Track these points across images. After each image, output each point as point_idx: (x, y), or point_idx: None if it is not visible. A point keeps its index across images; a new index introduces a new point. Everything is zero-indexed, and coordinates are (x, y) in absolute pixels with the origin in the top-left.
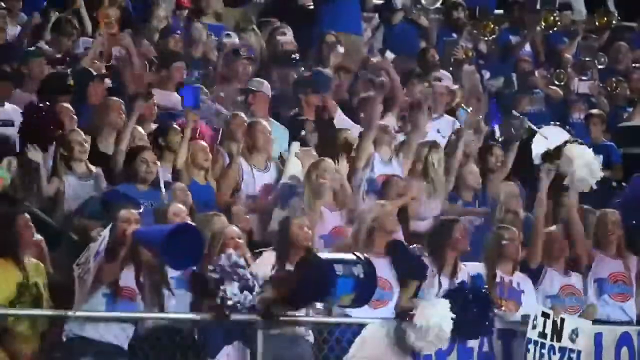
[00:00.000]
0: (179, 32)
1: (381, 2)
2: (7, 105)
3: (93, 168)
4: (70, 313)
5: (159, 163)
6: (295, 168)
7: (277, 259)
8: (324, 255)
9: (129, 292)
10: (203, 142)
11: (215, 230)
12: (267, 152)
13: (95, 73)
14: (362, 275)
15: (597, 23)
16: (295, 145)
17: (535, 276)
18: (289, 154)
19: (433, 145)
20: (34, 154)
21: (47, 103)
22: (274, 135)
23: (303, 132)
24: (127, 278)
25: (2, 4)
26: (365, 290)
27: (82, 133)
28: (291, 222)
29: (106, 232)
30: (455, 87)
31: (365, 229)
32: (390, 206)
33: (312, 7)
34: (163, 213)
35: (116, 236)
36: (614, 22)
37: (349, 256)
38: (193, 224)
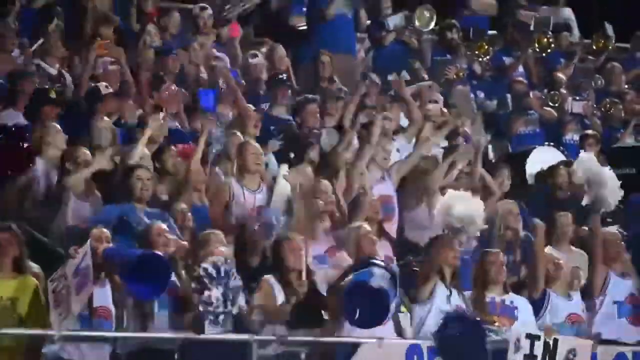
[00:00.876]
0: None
1: (372, 23)
2: None
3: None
4: (51, 332)
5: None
6: (283, 190)
7: (280, 283)
8: (358, 277)
9: (104, 311)
10: (198, 164)
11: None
12: (260, 173)
13: (103, 92)
14: (385, 272)
15: (594, 46)
16: (283, 168)
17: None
18: (277, 177)
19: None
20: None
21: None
22: None
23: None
24: (102, 297)
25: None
26: (395, 281)
27: (85, 150)
28: (283, 245)
29: (86, 247)
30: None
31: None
32: (365, 228)
33: (303, 27)
34: (146, 233)
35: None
36: (610, 46)
37: (377, 268)
38: (159, 253)
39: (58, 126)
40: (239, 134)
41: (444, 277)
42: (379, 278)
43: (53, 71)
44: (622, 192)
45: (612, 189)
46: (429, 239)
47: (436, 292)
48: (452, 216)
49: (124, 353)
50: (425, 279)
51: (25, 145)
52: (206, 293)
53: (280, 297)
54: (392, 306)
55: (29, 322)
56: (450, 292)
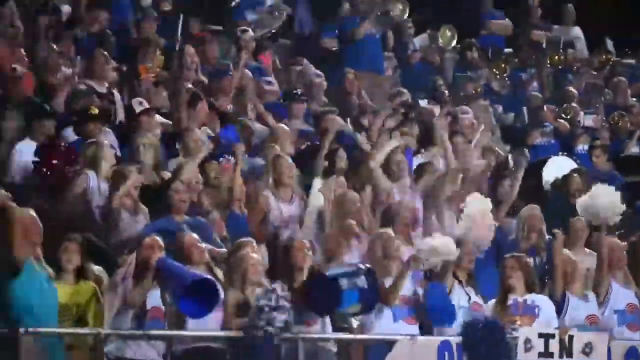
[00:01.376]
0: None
1: (399, 43)
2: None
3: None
4: (102, 331)
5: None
6: (318, 202)
7: (283, 281)
8: (329, 271)
9: (156, 311)
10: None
11: (238, 255)
12: (292, 186)
13: (147, 105)
14: (365, 286)
15: (597, 62)
16: (317, 182)
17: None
18: (312, 190)
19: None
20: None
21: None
22: None
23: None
24: (154, 298)
25: (55, 47)
26: (369, 299)
27: (134, 169)
28: (293, 245)
29: (132, 258)
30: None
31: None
32: (388, 234)
33: (336, 48)
34: (179, 245)
35: (142, 262)
36: (612, 60)
37: (352, 268)
38: (210, 277)
39: (107, 142)
40: (276, 147)
41: (460, 280)
42: (351, 283)
43: (102, 90)
44: (622, 206)
45: (609, 206)
46: None
47: (454, 294)
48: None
49: (180, 350)
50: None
51: (76, 161)
52: (273, 315)
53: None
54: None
55: (90, 323)
56: (468, 294)
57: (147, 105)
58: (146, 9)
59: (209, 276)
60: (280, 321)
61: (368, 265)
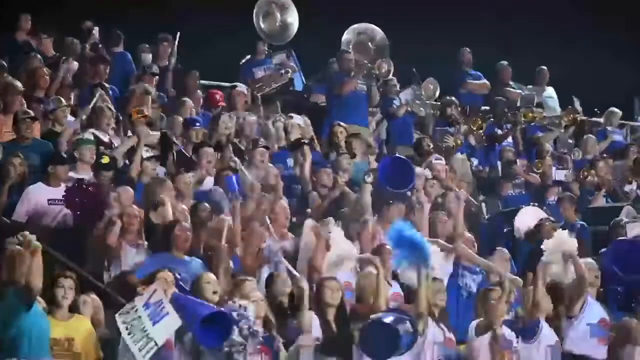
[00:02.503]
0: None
1: (381, 99)
2: (63, 185)
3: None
4: None
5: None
6: (308, 241)
7: (319, 318)
8: (383, 318)
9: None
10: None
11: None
12: (284, 226)
13: (152, 153)
14: (411, 330)
15: (565, 119)
16: (309, 222)
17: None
18: (304, 230)
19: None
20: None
21: (89, 183)
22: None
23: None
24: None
25: (63, 100)
26: (413, 342)
27: (135, 208)
28: (324, 284)
29: (156, 285)
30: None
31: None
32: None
33: (324, 104)
34: (197, 281)
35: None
36: (579, 119)
37: (399, 314)
38: (224, 309)
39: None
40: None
41: (434, 316)
42: (404, 329)
43: (105, 139)
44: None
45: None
46: None
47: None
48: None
49: None
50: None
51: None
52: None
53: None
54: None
55: (85, 358)
56: (442, 330)
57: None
58: (147, 66)
59: (222, 308)
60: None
61: (407, 312)
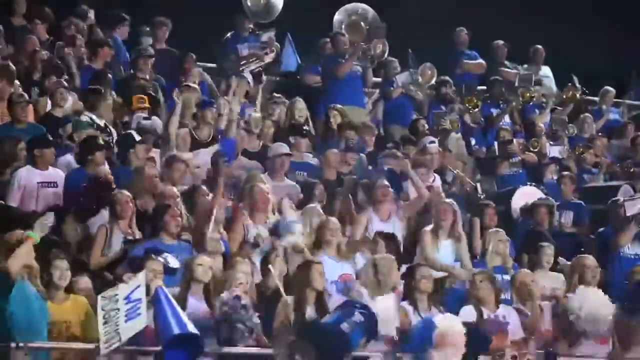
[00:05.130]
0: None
1: (382, 80)
2: (51, 168)
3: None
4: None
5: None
6: (292, 219)
7: (296, 303)
8: (325, 320)
9: (149, 330)
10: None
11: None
12: (266, 211)
13: (137, 138)
14: (363, 319)
15: (564, 97)
16: (286, 201)
17: None
18: (283, 209)
19: None
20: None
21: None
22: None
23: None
24: (149, 318)
25: (63, 82)
26: (370, 328)
27: (127, 194)
28: (312, 266)
29: (141, 279)
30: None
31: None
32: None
33: (319, 84)
34: (189, 263)
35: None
36: (578, 95)
37: (347, 309)
38: (194, 331)
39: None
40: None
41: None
42: (351, 323)
43: (101, 123)
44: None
45: (604, 315)
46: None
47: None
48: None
49: None
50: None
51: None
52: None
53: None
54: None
55: (83, 339)
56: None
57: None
58: (141, 48)
59: (193, 330)
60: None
61: (353, 298)
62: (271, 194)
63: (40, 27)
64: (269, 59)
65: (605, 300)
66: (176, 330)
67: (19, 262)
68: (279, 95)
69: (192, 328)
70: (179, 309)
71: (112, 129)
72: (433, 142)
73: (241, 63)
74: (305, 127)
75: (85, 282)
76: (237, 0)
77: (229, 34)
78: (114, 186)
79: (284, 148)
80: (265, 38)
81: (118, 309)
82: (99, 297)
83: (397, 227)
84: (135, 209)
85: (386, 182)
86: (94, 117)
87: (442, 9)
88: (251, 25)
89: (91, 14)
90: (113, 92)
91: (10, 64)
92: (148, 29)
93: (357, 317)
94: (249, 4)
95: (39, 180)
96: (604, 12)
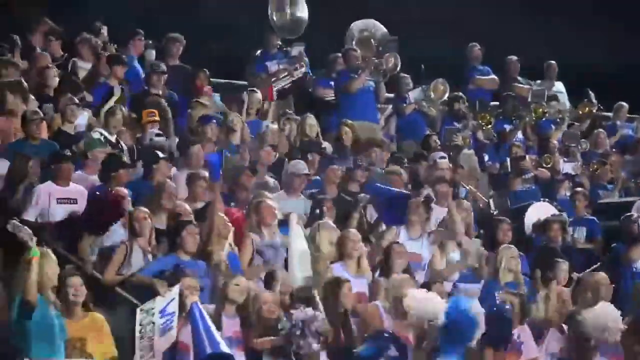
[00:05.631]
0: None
1: (394, 96)
2: (72, 185)
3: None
4: None
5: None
6: (298, 237)
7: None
8: (360, 352)
9: (184, 346)
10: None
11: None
12: (273, 227)
13: (161, 155)
14: (398, 354)
15: (580, 112)
16: (294, 216)
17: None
18: (290, 224)
19: None
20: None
21: (108, 189)
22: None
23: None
24: (185, 334)
25: (74, 98)
26: None
27: (145, 210)
28: (343, 285)
29: (175, 293)
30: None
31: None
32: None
33: (329, 98)
34: (224, 287)
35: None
36: (594, 111)
37: (382, 342)
38: (228, 352)
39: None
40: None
41: None
42: (389, 358)
43: (112, 139)
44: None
45: (615, 331)
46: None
47: None
48: None
49: None
50: None
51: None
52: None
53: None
54: None
55: (98, 357)
56: None
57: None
58: (154, 64)
59: (225, 350)
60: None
61: (390, 332)
62: (279, 209)
63: (55, 44)
64: (299, 74)
65: (617, 315)
66: (209, 349)
67: (33, 289)
68: (290, 111)
69: (224, 348)
70: (213, 327)
71: (123, 145)
72: (443, 157)
73: (271, 80)
74: (323, 146)
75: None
76: (247, 17)
77: (257, 52)
78: (127, 203)
79: (304, 168)
80: (295, 52)
81: (153, 323)
82: (138, 310)
83: (424, 247)
84: (153, 226)
85: (421, 199)
86: (105, 132)
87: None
88: (279, 42)
89: (104, 30)
90: (124, 108)
91: (23, 81)
92: (151, 42)
93: (393, 351)
94: (275, 20)
95: (58, 196)
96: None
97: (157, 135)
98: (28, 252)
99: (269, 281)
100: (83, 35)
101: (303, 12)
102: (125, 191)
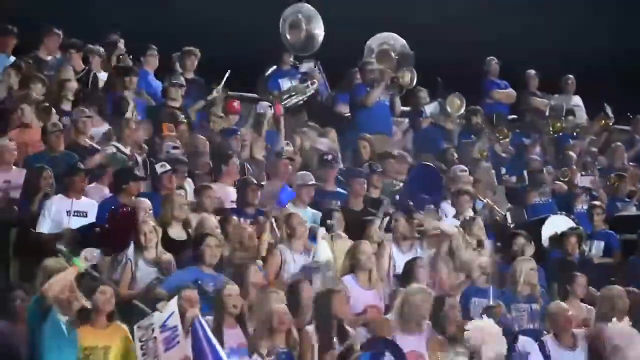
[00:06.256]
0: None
1: (411, 109)
2: (84, 198)
3: (165, 254)
4: None
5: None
6: (324, 251)
7: (319, 332)
8: (356, 358)
9: None
10: (250, 229)
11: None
12: (304, 239)
13: (168, 167)
14: (392, 359)
15: (597, 126)
16: (321, 230)
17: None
18: (317, 239)
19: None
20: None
21: (122, 205)
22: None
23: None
24: (187, 347)
25: (87, 111)
26: None
27: (151, 223)
28: (333, 296)
29: (174, 306)
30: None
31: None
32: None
33: (348, 114)
34: (219, 293)
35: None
36: (611, 124)
37: (377, 348)
38: None
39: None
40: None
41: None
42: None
43: (127, 152)
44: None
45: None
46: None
47: None
48: None
49: None
50: None
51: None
52: None
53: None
54: None
55: None
56: None
57: (168, 167)
58: (174, 77)
59: None
60: None
61: (388, 338)
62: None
63: (76, 56)
64: (310, 91)
65: (635, 331)
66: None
67: (57, 287)
68: (304, 129)
69: None
70: (215, 341)
71: (138, 156)
72: (464, 170)
73: (283, 97)
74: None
75: None
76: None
77: (270, 69)
78: (142, 215)
79: (311, 178)
80: (305, 69)
81: (155, 338)
82: (135, 327)
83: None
84: (160, 237)
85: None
86: (120, 146)
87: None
88: (292, 59)
89: (121, 44)
90: (139, 117)
91: (46, 104)
92: (154, 46)
93: (389, 357)
94: (288, 37)
95: (69, 209)
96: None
97: (174, 148)
98: (71, 259)
99: (293, 293)
100: (87, 46)
101: (318, 28)
102: (140, 202)
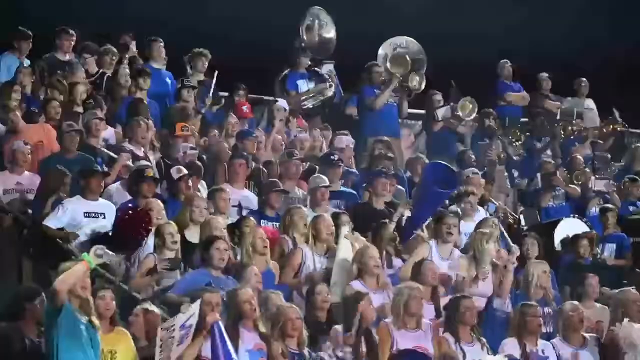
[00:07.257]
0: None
1: (425, 112)
2: (101, 200)
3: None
4: None
5: (230, 251)
6: (346, 250)
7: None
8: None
9: None
10: (262, 231)
11: (274, 309)
12: (328, 242)
13: (185, 172)
14: None
15: (604, 130)
16: (344, 229)
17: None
18: (339, 238)
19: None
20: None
21: (138, 205)
22: None
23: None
24: (207, 348)
25: (99, 113)
26: None
27: (173, 225)
28: (362, 299)
29: (195, 308)
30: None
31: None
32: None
33: (356, 116)
34: (233, 296)
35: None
36: (619, 128)
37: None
38: None
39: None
40: (303, 208)
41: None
42: None
43: (140, 153)
44: None
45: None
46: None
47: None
48: None
49: None
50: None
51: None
52: None
53: None
54: None
55: None
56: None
57: (185, 172)
58: (186, 79)
59: None
60: None
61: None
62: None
63: (90, 60)
64: (329, 92)
65: None
66: None
67: (70, 281)
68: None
69: None
70: (230, 347)
71: (151, 158)
72: (476, 173)
73: (302, 99)
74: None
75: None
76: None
77: (286, 71)
78: (153, 219)
79: (323, 181)
80: (325, 71)
81: (173, 337)
82: (159, 329)
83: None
84: (180, 240)
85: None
86: (133, 148)
87: None
88: (308, 61)
89: (132, 46)
90: (151, 120)
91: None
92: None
93: None
94: (305, 38)
95: (86, 210)
96: None
97: (192, 149)
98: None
99: (310, 294)
100: (110, 50)
101: (331, 33)
102: (154, 204)
